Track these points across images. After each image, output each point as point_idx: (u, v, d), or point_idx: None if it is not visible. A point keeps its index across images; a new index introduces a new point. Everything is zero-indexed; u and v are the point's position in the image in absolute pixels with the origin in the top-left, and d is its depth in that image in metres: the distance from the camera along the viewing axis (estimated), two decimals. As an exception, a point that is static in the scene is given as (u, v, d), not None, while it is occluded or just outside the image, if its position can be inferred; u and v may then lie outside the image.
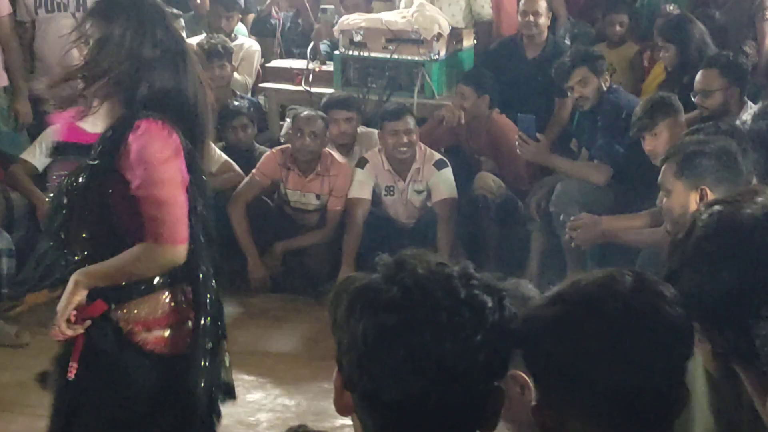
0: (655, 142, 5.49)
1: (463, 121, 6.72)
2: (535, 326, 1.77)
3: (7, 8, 6.87)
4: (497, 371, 1.73)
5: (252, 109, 7.10)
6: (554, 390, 1.77)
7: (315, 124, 6.47)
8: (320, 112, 6.55)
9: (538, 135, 6.42)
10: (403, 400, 1.66)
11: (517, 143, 6.35)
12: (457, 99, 6.76)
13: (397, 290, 1.68)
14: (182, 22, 7.58)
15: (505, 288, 1.77)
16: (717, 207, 1.82)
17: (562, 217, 6.04)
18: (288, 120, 6.93)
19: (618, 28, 7.40)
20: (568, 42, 7.38)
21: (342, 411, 1.77)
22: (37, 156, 6.44)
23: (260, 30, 8.29)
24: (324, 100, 6.85)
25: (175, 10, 7.50)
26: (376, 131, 6.74)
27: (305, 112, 6.55)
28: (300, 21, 8.29)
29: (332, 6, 8.10)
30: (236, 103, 7.08)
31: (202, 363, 3.31)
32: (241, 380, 5.45)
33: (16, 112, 6.96)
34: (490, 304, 1.69)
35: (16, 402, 5.05)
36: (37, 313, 5.95)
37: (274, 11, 8.21)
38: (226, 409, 5.08)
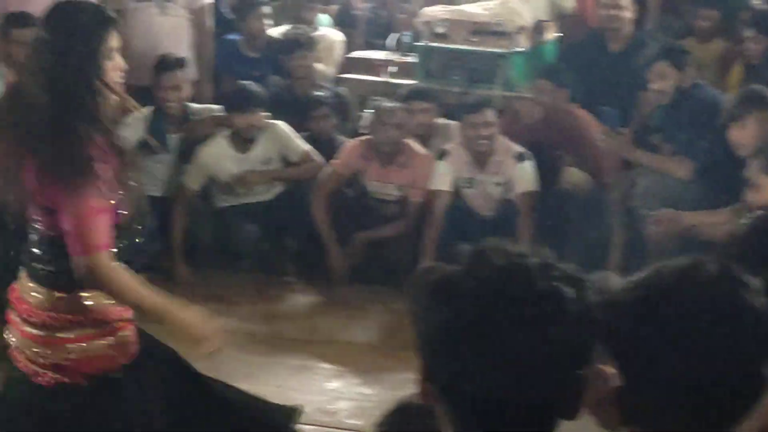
0: (742, 134, 5.42)
1: (539, 116, 6.69)
2: (617, 311, 1.77)
3: (93, -2, 6.98)
4: (578, 361, 1.72)
5: (334, 100, 7.14)
6: (635, 375, 1.78)
7: (397, 116, 6.50)
8: (402, 104, 6.57)
9: (620, 129, 6.37)
10: (482, 391, 1.67)
11: (600, 137, 6.31)
12: (536, 93, 6.74)
13: (477, 282, 1.68)
14: (265, 10, 7.62)
15: (591, 280, 1.77)
16: (761, 210, 1.84)
17: (643, 211, 6.00)
18: (369, 111, 6.95)
19: (707, 23, 7.28)
20: (659, 35, 7.29)
21: (425, 400, 1.79)
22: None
23: (343, 21, 8.33)
24: (402, 90, 6.87)
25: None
26: (454, 123, 6.75)
27: (388, 104, 6.57)
28: (382, 12, 8.31)
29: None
30: (318, 93, 7.13)
31: None
32: (321, 369, 5.51)
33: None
34: (569, 296, 1.69)
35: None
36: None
37: (357, 2, 8.25)
38: (306, 397, 5.15)
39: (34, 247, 3.33)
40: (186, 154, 6.72)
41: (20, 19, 6.30)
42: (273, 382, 5.36)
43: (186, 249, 6.67)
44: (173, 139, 6.73)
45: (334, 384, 5.42)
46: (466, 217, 6.53)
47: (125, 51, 7.18)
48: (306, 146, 6.78)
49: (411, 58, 7.42)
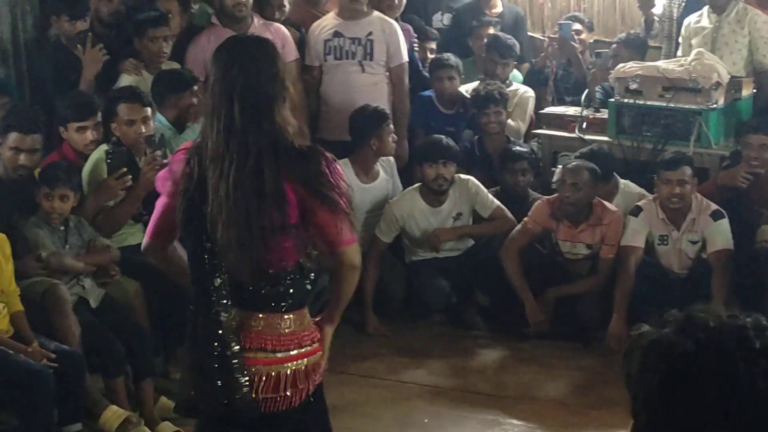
0: None
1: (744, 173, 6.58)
2: None
3: (293, 54, 7.17)
4: None
5: (530, 155, 7.16)
6: None
7: (578, 176, 6.45)
8: (589, 164, 6.51)
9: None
10: None
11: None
12: (745, 148, 6.62)
13: (691, 343, 1.71)
14: (460, 67, 7.74)
15: None
16: None
17: None
18: (560, 167, 6.95)
19: None
20: None
21: None
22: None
23: (534, 79, 8.37)
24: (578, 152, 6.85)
25: (452, 57, 7.70)
26: (625, 181, 6.77)
27: (573, 163, 6.53)
28: (572, 70, 8.32)
29: (607, 50, 8.10)
30: (519, 147, 7.16)
31: None
32: (510, 424, 5.51)
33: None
34: None
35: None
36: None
37: (547, 62, 8.28)
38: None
39: (261, 284, 3.48)
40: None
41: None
42: (462, 436, 5.40)
43: (377, 301, 6.78)
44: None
45: (524, 441, 5.42)
46: (658, 274, 6.46)
47: (324, 106, 7.49)
48: (497, 202, 6.83)
49: (603, 114, 7.39)
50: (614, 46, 8.17)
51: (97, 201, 5.69)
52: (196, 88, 6.35)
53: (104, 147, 5.77)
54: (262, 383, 3.47)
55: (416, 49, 7.99)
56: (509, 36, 8.06)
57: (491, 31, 8.22)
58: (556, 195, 6.64)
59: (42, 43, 7.01)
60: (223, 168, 3.36)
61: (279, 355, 3.48)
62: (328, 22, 7.31)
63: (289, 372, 3.49)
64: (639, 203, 6.56)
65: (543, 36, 9.08)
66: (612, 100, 7.25)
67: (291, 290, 3.48)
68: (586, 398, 5.73)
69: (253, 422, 3.52)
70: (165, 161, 5.60)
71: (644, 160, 7.04)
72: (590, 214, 6.52)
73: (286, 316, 3.49)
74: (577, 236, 6.57)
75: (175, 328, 5.76)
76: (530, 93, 7.96)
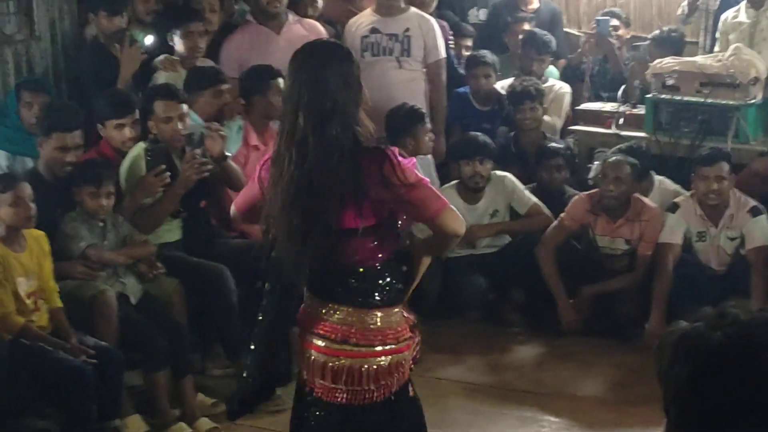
0: None
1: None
2: None
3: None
4: None
5: (565, 151, 7.14)
6: None
7: (621, 170, 6.44)
8: (630, 158, 6.50)
9: None
10: None
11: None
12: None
13: (720, 336, 1.71)
14: (497, 64, 7.74)
15: None
16: None
17: None
18: (597, 163, 6.93)
19: None
20: None
21: None
22: None
23: (570, 75, 8.34)
24: (621, 145, 6.82)
25: (489, 55, 7.70)
26: (665, 180, 6.72)
27: (614, 157, 6.52)
28: (609, 66, 8.29)
29: (645, 43, 8.06)
30: (554, 144, 7.14)
31: None
32: (547, 421, 5.51)
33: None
34: None
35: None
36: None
37: (583, 58, 8.26)
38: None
39: (350, 280, 3.53)
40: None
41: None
42: (499, 433, 5.39)
43: (413, 298, 6.76)
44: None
45: (561, 437, 5.41)
46: (697, 271, 6.42)
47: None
48: (534, 198, 6.82)
49: (640, 110, 7.36)
50: (648, 42, 8.13)
51: (136, 198, 5.71)
52: (225, 86, 6.37)
53: (142, 144, 5.80)
54: (345, 375, 3.52)
55: (452, 46, 7.98)
56: (545, 32, 8.05)
57: (527, 27, 8.21)
58: (595, 190, 6.62)
59: (80, 42, 7.05)
60: (283, 168, 3.42)
61: (363, 349, 3.52)
62: (365, 19, 7.32)
63: (372, 367, 3.53)
64: (676, 200, 6.53)
65: (579, 32, 9.06)
66: (649, 95, 7.22)
67: (380, 287, 3.53)
68: (624, 395, 5.71)
69: (334, 413, 3.57)
70: (204, 159, 5.64)
71: (681, 156, 7.00)
72: (628, 209, 6.50)
73: (374, 312, 3.53)
74: (616, 231, 6.54)
75: (212, 326, 5.82)
76: (566, 89, 7.95)
